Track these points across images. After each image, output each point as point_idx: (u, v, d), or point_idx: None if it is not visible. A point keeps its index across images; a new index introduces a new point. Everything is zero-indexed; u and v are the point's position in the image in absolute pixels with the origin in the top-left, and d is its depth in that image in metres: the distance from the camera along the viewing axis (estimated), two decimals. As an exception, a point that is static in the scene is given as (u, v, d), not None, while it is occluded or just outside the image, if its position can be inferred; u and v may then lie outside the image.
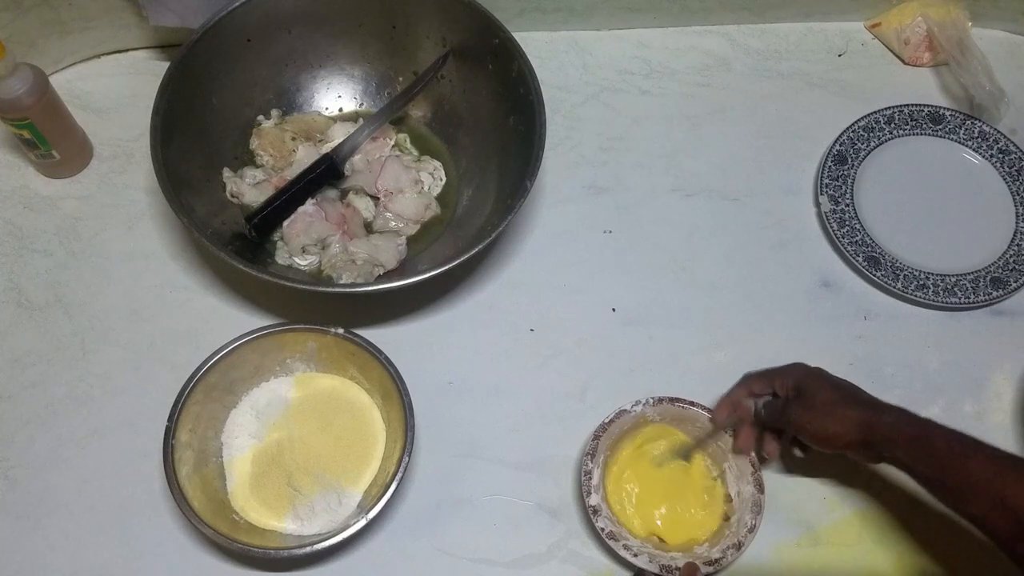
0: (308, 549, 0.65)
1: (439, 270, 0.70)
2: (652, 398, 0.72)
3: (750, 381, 0.71)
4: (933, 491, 0.62)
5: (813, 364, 0.79)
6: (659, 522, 0.70)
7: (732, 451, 0.71)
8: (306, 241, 0.79)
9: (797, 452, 0.71)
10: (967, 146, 0.91)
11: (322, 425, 0.72)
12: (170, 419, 0.67)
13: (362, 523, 0.65)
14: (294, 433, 0.72)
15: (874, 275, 0.82)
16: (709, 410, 0.72)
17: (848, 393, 0.67)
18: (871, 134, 0.90)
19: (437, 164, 0.86)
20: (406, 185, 0.82)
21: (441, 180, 0.85)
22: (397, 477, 0.66)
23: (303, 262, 0.80)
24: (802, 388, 0.67)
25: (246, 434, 0.72)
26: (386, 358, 0.70)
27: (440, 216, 0.84)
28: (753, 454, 0.71)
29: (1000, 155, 0.90)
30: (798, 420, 0.66)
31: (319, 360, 0.74)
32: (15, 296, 0.79)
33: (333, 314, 0.79)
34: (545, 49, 0.95)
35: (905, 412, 0.64)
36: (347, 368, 0.74)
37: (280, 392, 0.74)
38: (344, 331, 0.71)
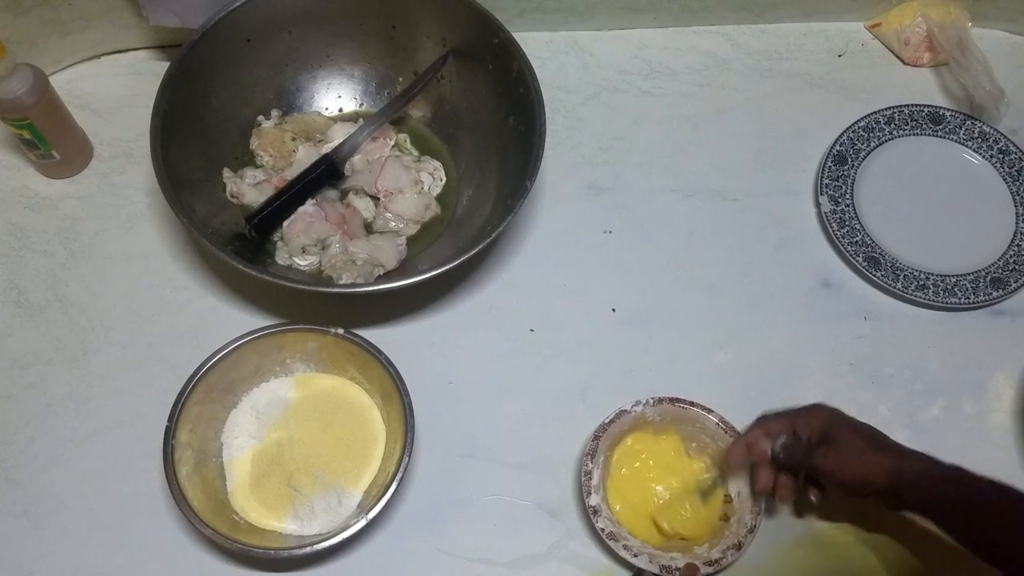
0: (308, 549, 0.65)
1: (439, 270, 0.70)
2: (652, 398, 0.72)
3: (767, 422, 0.69)
4: (963, 541, 0.60)
5: (813, 364, 0.80)
6: (658, 522, 0.70)
7: (754, 492, 0.70)
8: (306, 241, 0.79)
9: (813, 495, 0.69)
10: (967, 146, 0.91)
11: (322, 425, 0.72)
12: (170, 419, 0.67)
13: (362, 523, 0.65)
14: (294, 433, 0.72)
15: (874, 275, 0.82)
16: (709, 409, 0.72)
17: (874, 438, 0.65)
18: (871, 134, 0.90)
19: (437, 164, 0.86)
20: (406, 185, 0.82)
21: (441, 180, 0.85)
22: (397, 477, 0.66)
23: (303, 262, 0.80)
24: (828, 432, 0.65)
25: (246, 434, 0.72)
26: (386, 358, 0.70)
27: (440, 216, 0.84)
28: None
29: (1000, 155, 0.90)
30: (824, 465, 0.65)
31: (319, 360, 0.74)
32: (15, 296, 0.79)
33: (333, 314, 0.79)
34: (545, 49, 0.95)
35: (933, 459, 0.63)
36: (347, 368, 0.74)
37: (280, 392, 0.74)
38: (344, 331, 0.71)
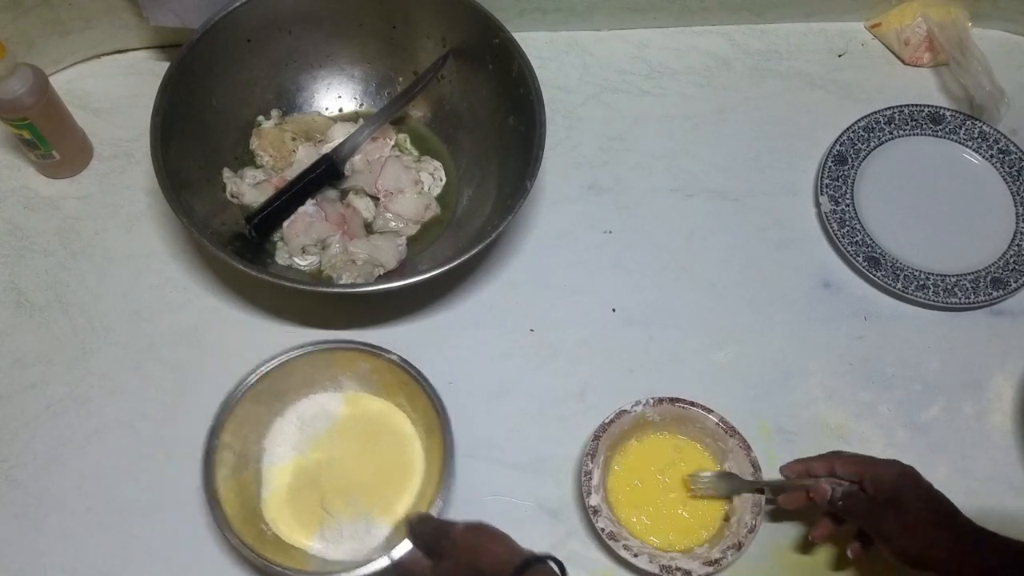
0: None
1: (439, 270, 0.70)
2: (652, 398, 0.72)
3: (839, 460, 0.65)
4: None
5: (813, 364, 0.80)
6: (659, 522, 0.70)
7: (810, 538, 0.68)
8: (306, 241, 0.79)
9: (852, 551, 0.66)
10: (967, 146, 0.91)
11: (364, 448, 0.72)
12: (216, 419, 0.66)
13: (384, 563, 0.63)
14: (335, 452, 0.71)
15: (874, 275, 0.82)
16: (709, 410, 0.72)
17: (947, 512, 0.62)
18: (871, 134, 0.90)
19: (437, 164, 0.86)
20: (406, 185, 0.82)
21: (441, 180, 0.85)
22: None
23: (303, 262, 0.80)
24: (896, 493, 0.62)
25: (288, 444, 0.71)
26: (435, 393, 0.69)
27: (440, 216, 0.84)
28: (754, 454, 0.71)
29: (1000, 155, 0.90)
30: (884, 528, 0.61)
31: (370, 381, 0.73)
32: (15, 296, 0.79)
33: (333, 314, 0.79)
34: (545, 49, 0.95)
35: (1009, 542, 0.59)
36: (397, 395, 0.73)
37: (328, 407, 0.73)
38: (399, 358, 0.69)
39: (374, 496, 0.70)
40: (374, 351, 0.70)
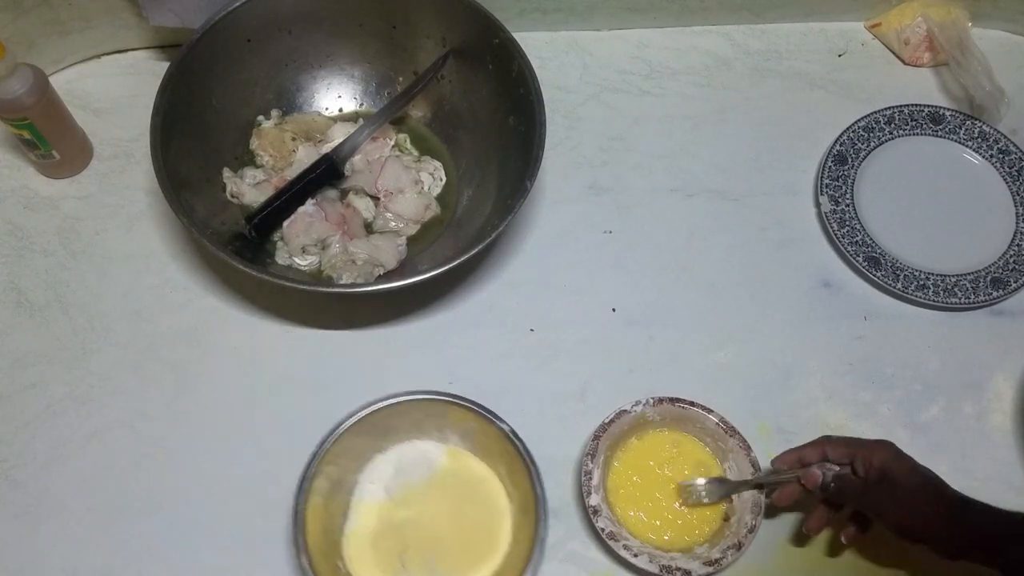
0: None
1: (439, 270, 0.70)
2: (652, 398, 0.72)
3: (829, 444, 0.67)
4: None
5: (813, 364, 0.80)
6: (659, 522, 0.70)
7: (804, 529, 0.69)
8: (306, 241, 0.79)
9: (845, 536, 0.67)
10: (967, 146, 0.91)
11: (454, 510, 0.69)
12: (320, 445, 0.65)
13: None
14: (426, 505, 0.69)
15: (874, 275, 0.82)
16: (709, 409, 0.72)
17: (935, 485, 0.63)
18: (871, 134, 0.90)
19: (437, 164, 0.86)
20: (406, 185, 0.82)
21: (441, 180, 0.85)
22: None
23: (303, 262, 0.80)
24: (886, 470, 0.63)
25: (382, 483, 0.70)
26: (538, 476, 0.65)
27: (440, 216, 0.84)
28: (754, 454, 0.71)
29: (1000, 155, 0.90)
30: (880, 507, 0.63)
31: (476, 442, 0.71)
32: (15, 296, 0.79)
33: (333, 314, 0.79)
34: (545, 49, 0.95)
35: (995, 512, 0.62)
36: (498, 463, 0.70)
37: (430, 455, 0.71)
38: (511, 429, 0.66)
39: (452, 564, 0.67)
40: (487, 416, 0.67)
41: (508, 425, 0.67)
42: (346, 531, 0.68)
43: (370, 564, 0.67)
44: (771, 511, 0.72)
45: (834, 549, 0.72)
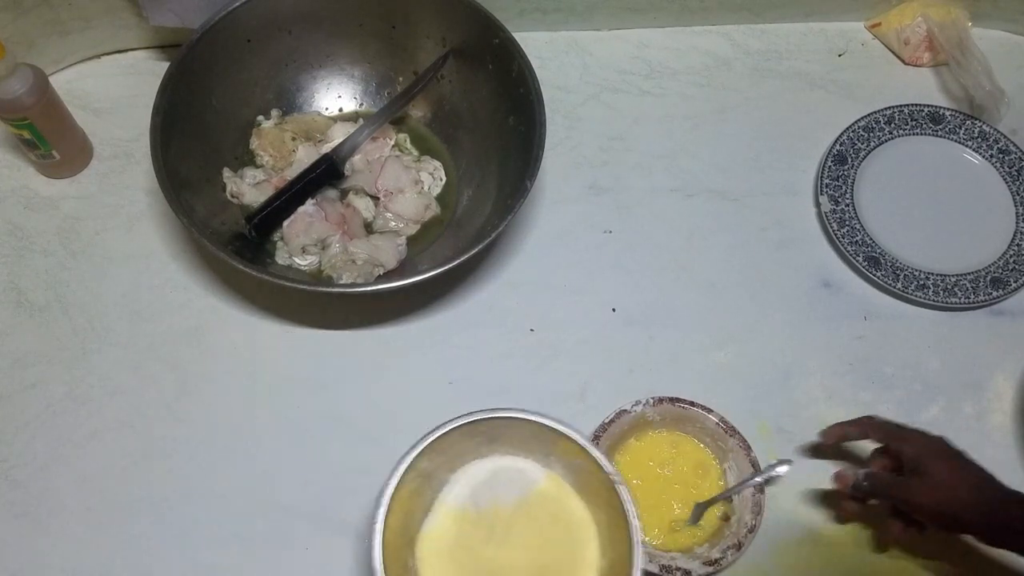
0: None
1: (439, 270, 0.70)
2: (652, 398, 0.72)
3: (872, 426, 0.68)
4: None
5: (813, 364, 0.80)
6: (658, 519, 0.70)
7: (839, 521, 0.71)
8: (306, 241, 0.79)
9: (894, 529, 0.67)
10: (967, 146, 0.91)
11: (539, 547, 0.64)
12: (417, 443, 0.62)
13: None
14: (510, 529, 0.65)
15: (874, 275, 0.82)
16: (709, 409, 0.72)
17: (974, 476, 0.63)
18: (871, 134, 0.90)
19: (437, 164, 0.86)
20: (406, 185, 0.82)
21: (441, 180, 0.85)
22: None
23: (303, 262, 0.80)
24: (921, 463, 0.64)
25: (472, 490, 0.66)
26: (638, 533, 0.60)
27: (440, 216, 0.84)
28: (754, 454, 0.71)
29: (1000, 155, 0.90)
30: (913, 499, 0.63)
31: (580, 480, 0.66)
32: (15, 296, 0.79)
33: (333, 314, 0.79)
34: (545, 49, 0.95)
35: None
36: (599, 510, 0.65)
37: (529, 476, 0.66)
38: (619, 478, 0.62)
39: None
40: (597, 463, 0.63)
41: (617, 475, 0.62)
42: (423, 530, 0.65)
43: (439, 568, 0.63)
44: (772, 508, 0.71)
45: (885, 543, 0.72)
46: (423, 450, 0.62)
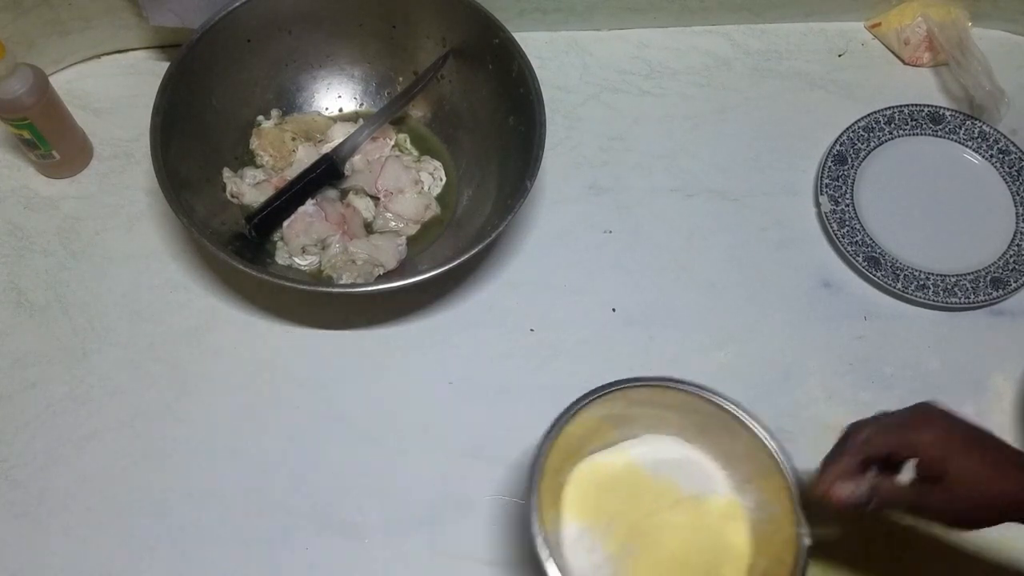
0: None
1: (439, 270, 0.70)
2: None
3: (867, 443, 0.56)
4: None
5: (813, 364, 0.80)
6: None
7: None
8: (306, 241, 0.79)
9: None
10: (967, 146, 0.91)
11: (687, 532, 0.63)
12: (575, 402, 0.61)
13: None
14: (673, 514, 0.63)
15: (874, 275, 0.82)
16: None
17: (1005, 454, 0.54)
18: (871, 134, 0.90)
19: (437, 164, 0.86)
20: (406, 185, 0.82)
21: (441, 180, 0.85)
22: None
23: (303, 262, 0.80)
24: (939, 461, 0.54)
25: (655, 457, 0.65)
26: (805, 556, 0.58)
27: (440, 216, 0.84)
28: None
29: (1000, 155, 0.90)
30: (932, 508, 0.54)
31: (739, 474, 0.64)
32: (15, 296, 0.79)
33: (333, 314, 0.79)
34: (545, 49, 0.95)
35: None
36: (773, 502, 0.62)
37: (714, 483, 0.65)
38: (795, 475, 0.60)
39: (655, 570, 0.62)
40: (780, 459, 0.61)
41: (791, 472, 0.60)
42: (587, 461, 0.65)
43: (580, 505, 0.64)
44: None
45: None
46: (623, 390, 0.62)
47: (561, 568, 0.57)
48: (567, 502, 0.65)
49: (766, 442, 0.62)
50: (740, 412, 0.63)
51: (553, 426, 0.62)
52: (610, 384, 0.63)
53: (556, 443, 0.61)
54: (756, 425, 0.63)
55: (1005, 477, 0.53)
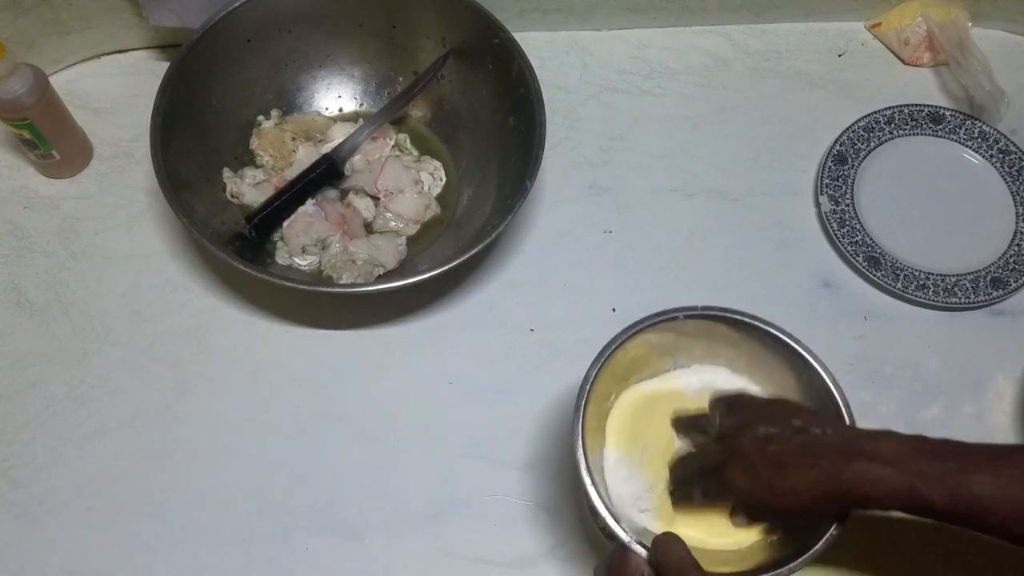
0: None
1: (439, 270, 0.70)
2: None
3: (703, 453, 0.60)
4: (942, 520, 0.49)
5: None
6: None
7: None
8: (306, 241, 0.79)
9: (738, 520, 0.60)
10: (967, 146, 0.91)
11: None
12: (614, 339, 0.61)
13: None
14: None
15: (874, 275, 0.82)
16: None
17: (800, 442, 0.54)
18: (871, 134, 0.90)
19: (437, 164, 0.86)
20: (406, 185, 0.82)
21: (441, 180, 0.85)
22: None
23: (303, 262, 0.80)
24: (729, 442, 0.56)
25: (700, 388, 0.65)
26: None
27: (440, 216, 0.84)
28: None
29: (1000, 155, 0.90)
30: (746, 488, 0.54)
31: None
32: (15, 296, 0.79)
33: (333, 314, 0.79)
34: (545, 49, 0.95)
35: (891, 436, 0.52)
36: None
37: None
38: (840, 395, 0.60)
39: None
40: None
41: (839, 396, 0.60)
42: (632, 389, 0.66)
43: (619, 432, 0.64)
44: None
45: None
46: (672, 320, 0.62)
47: (603, 497, 0.58)
48: (611, 429, 0.65)
49: (823, 375, 0.62)
50: (798, 345, 0.63)
51: (604, 350, 0.62)
52: (661, 312, 0.63)
53: (604, 368, 0.61)
54: (812, 357, 0.63)
55: (804, 464, 0.53)
